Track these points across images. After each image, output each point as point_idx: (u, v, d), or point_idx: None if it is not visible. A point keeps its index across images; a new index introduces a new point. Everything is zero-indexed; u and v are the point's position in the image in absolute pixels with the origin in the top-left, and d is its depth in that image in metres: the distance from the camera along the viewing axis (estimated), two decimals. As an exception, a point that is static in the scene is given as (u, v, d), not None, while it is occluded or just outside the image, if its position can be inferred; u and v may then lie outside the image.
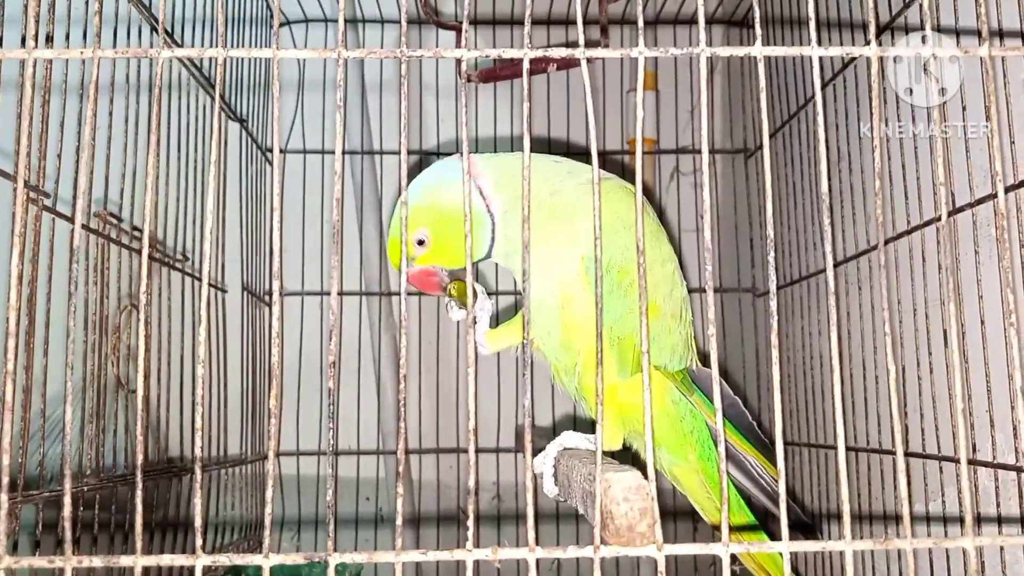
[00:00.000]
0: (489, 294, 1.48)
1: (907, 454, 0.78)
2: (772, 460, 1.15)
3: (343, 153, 0.59)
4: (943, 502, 1.21)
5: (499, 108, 2.07)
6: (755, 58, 0.64)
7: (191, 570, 0.60)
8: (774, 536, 1.28)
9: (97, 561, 0.62)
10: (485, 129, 2.03)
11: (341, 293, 1.98)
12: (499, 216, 1.06)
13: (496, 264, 1.92)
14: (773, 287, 0.63)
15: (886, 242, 0.69)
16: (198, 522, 0.61)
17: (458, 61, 1.62)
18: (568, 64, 1.53)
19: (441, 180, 1.08)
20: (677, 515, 1.71)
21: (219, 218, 1.69)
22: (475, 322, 1.18)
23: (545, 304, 1.07)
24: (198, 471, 0.61)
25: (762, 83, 0.64)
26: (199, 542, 0.61)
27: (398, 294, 2.12)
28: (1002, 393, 1.07)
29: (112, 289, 1.25)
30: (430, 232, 1.07)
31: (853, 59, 1.46)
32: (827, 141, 0.62)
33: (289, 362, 1.99)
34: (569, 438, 1.06)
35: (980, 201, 1.12)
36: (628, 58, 2.06)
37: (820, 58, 0.64)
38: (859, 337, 1.47)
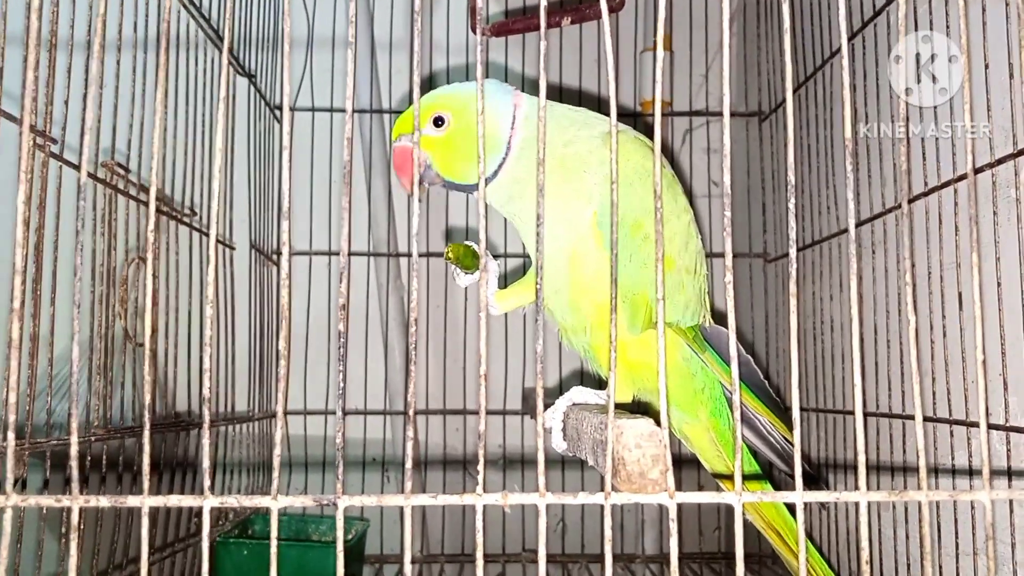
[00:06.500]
0: (496, 256, 1.46)
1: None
2: (782, 418, 1.14)
3: (353, 92, 0.58)
4: (952, 466, 1.20)
5: (510, 69, 2.04)
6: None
7: (199, 516, 0.60)
8: (779, 488, 1.28)
9: (104, 501, 0.62)
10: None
11: (350, 252, 1.97)
12: (513, 151, 1.03)
13: (504, 224, 1.91)
14: (793, 234, 0.62)
15: (909, 201, 0.68)
16: (206, 463, 0.61)
17: None
18: (582, 18, 1.51)
19: (487, 90, 1.05)
20: (682, 464, 1.68)
21: (227, 172, 1.68)
22: (485, 269, 1.17)
23: (553, 261, 1.05)
24: (205, 411, 0.60)
25: (786, 20, 0.62)
26: (207, 483, 0.60)
27: (407, 255, 2.12)
28: (1016, 356, 1.06)
29: (120, 241, 1.25)
30: (452, 120, 1.03)
31: (874, 16, 1.43)
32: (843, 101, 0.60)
33: (296, 324, 1.98)
34: (579, 393, 1.05)
35: (1000, 161, 1.10)
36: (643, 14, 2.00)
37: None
38: (871, 302, 1.45)
